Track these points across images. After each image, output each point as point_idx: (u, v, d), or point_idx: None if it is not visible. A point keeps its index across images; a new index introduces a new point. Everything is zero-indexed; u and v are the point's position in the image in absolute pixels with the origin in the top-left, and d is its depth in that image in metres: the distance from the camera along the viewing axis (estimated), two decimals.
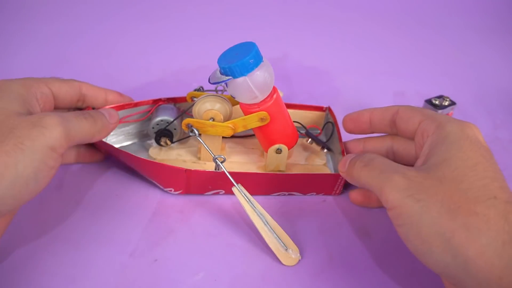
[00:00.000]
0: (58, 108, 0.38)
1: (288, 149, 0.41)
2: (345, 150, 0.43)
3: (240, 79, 0.35)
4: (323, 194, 0.43)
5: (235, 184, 0.37)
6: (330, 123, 0.47)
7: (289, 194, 0.43)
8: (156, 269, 0.36)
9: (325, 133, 0.49)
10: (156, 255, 0.37)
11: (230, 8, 0.80)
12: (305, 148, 0.46)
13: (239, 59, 0.34)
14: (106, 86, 0.43)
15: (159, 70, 0.62)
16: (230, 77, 0.35)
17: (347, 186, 0.44)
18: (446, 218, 0.26)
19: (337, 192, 0.43)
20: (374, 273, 0.36)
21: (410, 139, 0.37)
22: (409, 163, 0.36)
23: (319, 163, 0.45)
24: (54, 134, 0.29)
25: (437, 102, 0.50)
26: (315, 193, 0.43)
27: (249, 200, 0.37)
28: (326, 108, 0.48)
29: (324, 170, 0.44)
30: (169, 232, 0.39)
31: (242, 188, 0.37)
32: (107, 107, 0.42)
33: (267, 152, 0.42)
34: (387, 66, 0.69)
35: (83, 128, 0.32)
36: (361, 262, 0.37)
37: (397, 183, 0.28)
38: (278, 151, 0.41)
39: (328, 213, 0.41)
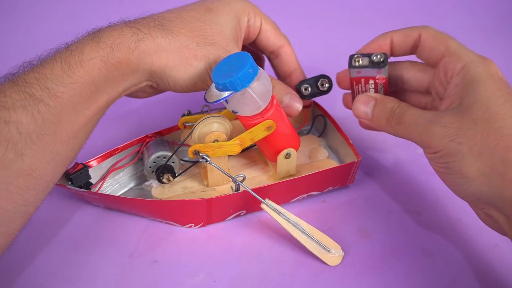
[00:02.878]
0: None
1: (296, 151, 0.40)
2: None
3: (242, 92, 0.34)
4: (339, 186, 0.43)
5: (262, 200, 0.36)
6: (320, 116, 0.46)
7: (308, 196, 0.42)
8: (156, 270, 0.36)
9: (315, 128, 0.48)
10: (156, 256, 0.37)
11: None
12: (302, 146, 0.45)
13: (238, 71, 0.32)
14: None
15: None
16: (231, 92, 0.33)
17: (359, 174, 0.44)
18: (486, 156, 0.30)
19: (352, 180, 0.43)
20: (374, 273, 0.36)
21: (430, 66, 0.38)
22: (417, 90, 0.39)
23: (323, 157, 0.44)
24: None
25: None
26: (331, 187, 0.43)
27: (280, 212, 0.36)
28: (311, 103, 0.46)
29: (331, 163, 0.43)
30: (169, 233, 0.39)
31: (270, 202, 0.37)
32: (92, 160, 0.39)
33: (272, 161, 0.41)
34: None
35: None
36: (361, 262, 0.37)
37: (438, 133, 0.32)
38: (288, 156, 0.39)
39: (328, 213, 0.41)
